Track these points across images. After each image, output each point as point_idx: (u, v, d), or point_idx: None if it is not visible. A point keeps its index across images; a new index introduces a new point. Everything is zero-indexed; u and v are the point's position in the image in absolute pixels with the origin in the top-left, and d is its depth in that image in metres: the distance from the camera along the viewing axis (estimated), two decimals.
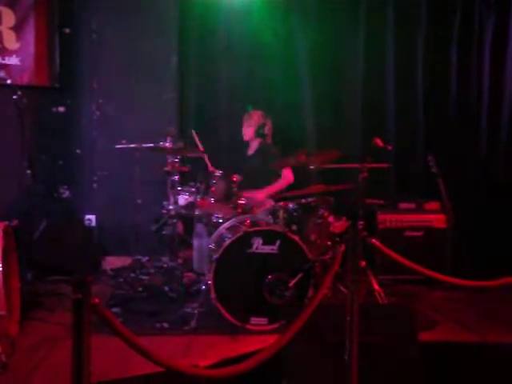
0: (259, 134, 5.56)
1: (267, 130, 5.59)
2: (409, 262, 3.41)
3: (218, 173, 4.89)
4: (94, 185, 6.32)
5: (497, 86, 6.31)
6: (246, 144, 5.75)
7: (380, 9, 6.40)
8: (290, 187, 5.48)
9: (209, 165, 5.36)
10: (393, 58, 6.42)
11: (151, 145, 5.36)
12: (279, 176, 5.50)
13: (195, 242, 5.32)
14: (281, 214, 4.86)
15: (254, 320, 4.26)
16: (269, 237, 4.33)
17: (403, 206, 5.80)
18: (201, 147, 5.36)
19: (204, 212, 5.02)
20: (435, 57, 6.38)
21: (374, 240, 3.40)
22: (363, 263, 4.43)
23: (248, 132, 5.61)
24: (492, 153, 6.35)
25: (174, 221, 5.18)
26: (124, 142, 5.66)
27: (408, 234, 5.64)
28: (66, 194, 6.28)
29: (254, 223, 4.57)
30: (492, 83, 6.32)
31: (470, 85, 6.38)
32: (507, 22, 6.24)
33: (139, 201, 5.52)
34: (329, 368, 3.38)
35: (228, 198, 4.80)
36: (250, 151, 5.70)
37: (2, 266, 3.72)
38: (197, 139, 5.44)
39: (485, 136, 6.38)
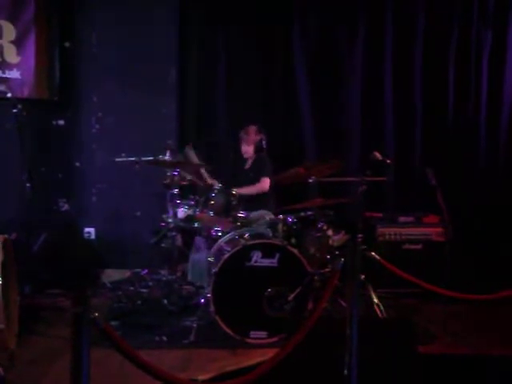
0: (259, 150, 5.58)
1: (264, 145, 5.60)
2: (408, 275, 3.42)
3: (217, 186, 4.90)
4: (94, 198, 6.33)
5: (494, 100, 6.34)
6: (244, 158, 5.76)
7: (378, 26, 6.43)
8: (287, 201, 5.48)
9: (207, 178, 5.36)
10: (391, 72, 6.44)
11: (151, 158, 5.37)
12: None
13: (192, 256, 5.32)
14: (280, 227, 4.86)
15: (253, 333, 4.26)
16: (268, 250, 4.33)
17: (402, 219, 5.81)
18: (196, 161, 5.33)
19: (203, 225, 5.02)
20: (433, 71, 6.41)
21: (373, 253, 3.42)
22: (362, 276, 4.43)
23: (248, 150, 5.59)
24: (491, 166, 6.37)
25: (173, 234, 5.17)
26: (123, 155, 5.67)
27: (407, 247, 5.65)
28: (66, 207, 6.28)
29: (253, 236, 4.57)
30: (490, 97, 6.35)
31: (468, 99, 6.40)
32: (505, 37, 6.28)
33: (138, 214, 5.54)
34: (328, 382, 3.37)
35: (227, 211, 4.80)
36: (247, 165, 5.71)
37: (1, 279, 3.71)
38: (192, 154, 5.42)
39: (483, 149, 6.39)
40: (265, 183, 5.44)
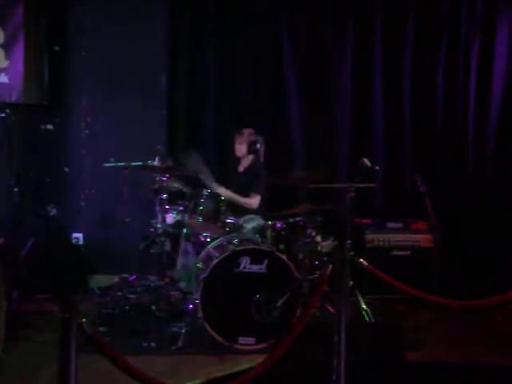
0: (252, 150, 5.52)
1: (259, 146, 5.53)
2: (396, 281, 3.42)
3: (206, 191, 4.89)
4: (82, 203, 6.31)
5: (483, 106, 6.37)
6: (237, 160, 5.73)
7: (366, 34, 6.45)
8: (276, 207, 5.48)
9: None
10: (380, 78, 6.47)
11: (140, 163, 5.35)
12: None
13: (180, 260, 5.30)
14: (269, 233, 4.87)
15: (241, 339, 4.25)
16: (257, 256, 4.33)
17: (391, 225, 5.83)
18: None
19: (192, 231, 5.01)
20: (422, 78, 6.43)
21: (361, 259, 3.43)
22: (351, 283, 4.44)
23: (240, 149, 5.52)
24: (479, 173, 6.39)
25: (162, 239, 5.16)
26: (112, 160, 5.65)
27: (395, 253, 5.67)
28: (54, 212, 6.25)
29: (241, 242, 4.57)
30: (478, 104, 6.38)
31: (456, 106, 6.43)
32: (492, 43, 6.31)
33: (127, 219, 5.50)
34: None
35: (216, 216, 4.80)
36: (241, 168, 5.70)
37: None
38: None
39: (472, 156, 6.41)
40: (255, 200, 5.32)
